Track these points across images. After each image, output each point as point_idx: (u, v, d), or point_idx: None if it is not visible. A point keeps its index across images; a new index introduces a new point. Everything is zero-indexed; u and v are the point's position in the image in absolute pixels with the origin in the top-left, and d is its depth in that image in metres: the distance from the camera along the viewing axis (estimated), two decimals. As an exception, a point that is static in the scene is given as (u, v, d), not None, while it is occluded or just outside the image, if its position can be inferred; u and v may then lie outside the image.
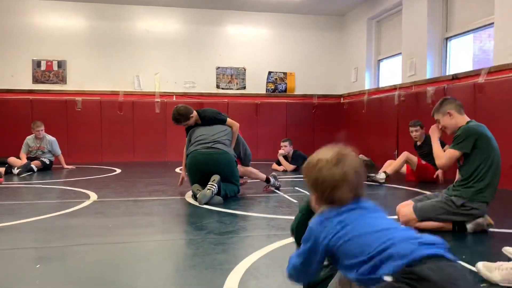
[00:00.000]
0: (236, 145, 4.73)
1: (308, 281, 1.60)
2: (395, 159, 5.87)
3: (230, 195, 4.32)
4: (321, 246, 1.42)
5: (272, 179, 4.91)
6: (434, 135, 3.23)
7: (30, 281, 2.05)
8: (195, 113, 4.60)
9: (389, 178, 5.52)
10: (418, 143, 5.80)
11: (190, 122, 4.60)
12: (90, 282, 2.08)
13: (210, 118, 4.61)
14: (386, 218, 1.48)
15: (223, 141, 4.44)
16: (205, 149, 4.35)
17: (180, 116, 4.54)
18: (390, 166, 5.66)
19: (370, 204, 1.50)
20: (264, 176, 4.90)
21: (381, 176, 5.50)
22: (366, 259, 1.31)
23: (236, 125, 4.71)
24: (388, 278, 1.25)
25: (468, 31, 6.36)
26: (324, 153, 1.51)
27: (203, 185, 4.17)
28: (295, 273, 1.52)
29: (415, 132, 5.69)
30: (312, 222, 1.48)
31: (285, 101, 9.59)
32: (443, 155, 3.11)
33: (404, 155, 5.65)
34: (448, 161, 3.08)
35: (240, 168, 4.75)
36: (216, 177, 4.13)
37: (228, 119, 4.68)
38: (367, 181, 5.49)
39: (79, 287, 2.02)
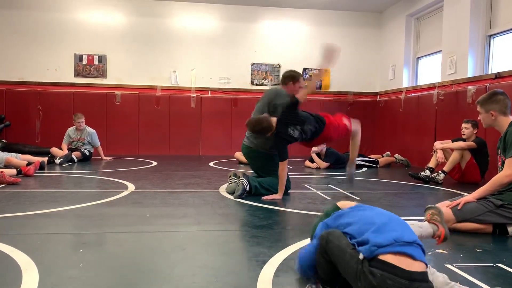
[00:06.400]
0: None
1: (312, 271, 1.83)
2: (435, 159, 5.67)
3: (267, 186, 4.23)
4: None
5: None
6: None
7: (74, 264, 2.15)
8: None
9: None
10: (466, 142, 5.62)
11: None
12: (129, 268, 2.16)
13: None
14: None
15: (248, 135, 4.50)
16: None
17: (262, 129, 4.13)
18: (447, 163, 5.38)
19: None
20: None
21: (440, 176, 5.37)
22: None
23: None
24: (361, 256, 1.60)
25: (513, 29, 6.13)
26: None
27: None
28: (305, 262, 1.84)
29: (465, 130, 5.46)
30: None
31: (320, 98, 9.52)
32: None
33: (461, 146, 5.34)
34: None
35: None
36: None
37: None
38: (427, 182, 5.39)
39: (119, 272, 2.10)
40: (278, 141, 4.08)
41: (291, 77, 4.55)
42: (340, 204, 2.06)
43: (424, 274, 1.59)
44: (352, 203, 2.03)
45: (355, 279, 1.59)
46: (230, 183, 4.38)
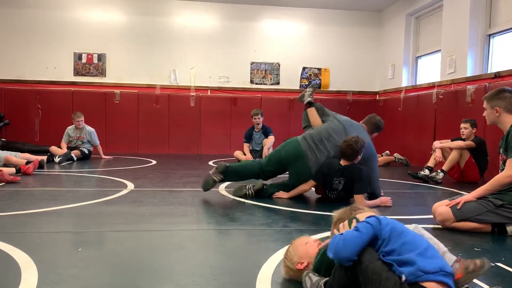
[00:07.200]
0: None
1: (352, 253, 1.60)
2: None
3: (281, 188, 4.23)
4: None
5: None
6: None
7: (73, 263, 2.15)
8: None
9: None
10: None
11: None
12: (129, 266, 2.16)
13: None
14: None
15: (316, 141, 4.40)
16: None
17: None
18: (446, 162, 5.39)
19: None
20: None
21: (439, 176, 5.37)
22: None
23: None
24: (403, 278, 1.50)
25: (512, 28, 6.13)
26: None
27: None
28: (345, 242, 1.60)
29: (464, 129, 5.46)
30: None
31: (319, 97, 9.50)
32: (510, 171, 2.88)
33: (459, 145, 5.36)
34: None
35: None
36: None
37: None
38: (426, 181, 5.40)
39: (118, 271, 2.10)
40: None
41: (379, 129, 4.50)
42: (360, 216, 1.82)
43: None
44: (372, 212, 1.84)
45: None
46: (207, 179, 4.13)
